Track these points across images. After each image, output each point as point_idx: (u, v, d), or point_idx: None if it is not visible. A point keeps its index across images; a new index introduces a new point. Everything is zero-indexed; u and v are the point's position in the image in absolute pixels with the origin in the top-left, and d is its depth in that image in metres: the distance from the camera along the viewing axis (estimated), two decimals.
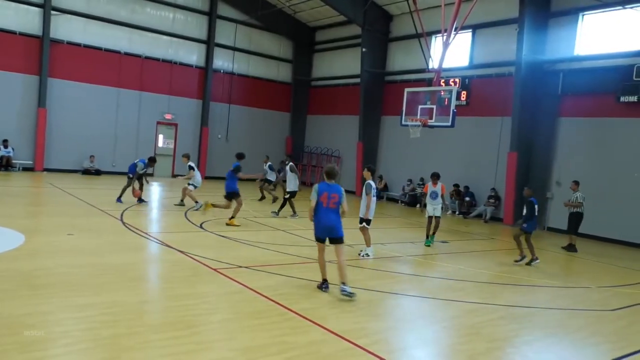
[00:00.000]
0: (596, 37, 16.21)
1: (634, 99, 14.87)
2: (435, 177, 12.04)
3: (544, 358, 5.68)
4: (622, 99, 15.11)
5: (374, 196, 9.89)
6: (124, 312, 5.62)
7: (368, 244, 9.90)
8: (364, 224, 9.90)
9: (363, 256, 9.75)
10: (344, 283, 6.93)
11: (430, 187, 12.06)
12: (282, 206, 14.26)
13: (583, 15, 16.46)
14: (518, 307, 7.44)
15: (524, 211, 10.65)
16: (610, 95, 15.42)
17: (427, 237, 12.02)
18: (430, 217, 11.97)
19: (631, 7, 15.02)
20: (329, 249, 7.20)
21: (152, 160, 14.48)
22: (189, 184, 14.22)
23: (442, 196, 11.94)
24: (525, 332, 6.39)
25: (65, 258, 7.77)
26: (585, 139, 16.26)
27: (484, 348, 5.62)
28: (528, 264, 10.52)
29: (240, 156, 12.93)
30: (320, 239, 7.16)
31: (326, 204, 7.00)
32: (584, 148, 16.25)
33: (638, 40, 15.08)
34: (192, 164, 14.46)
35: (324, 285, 7.17)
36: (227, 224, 11.99)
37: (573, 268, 11.70)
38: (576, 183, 13.44)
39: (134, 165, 14.03)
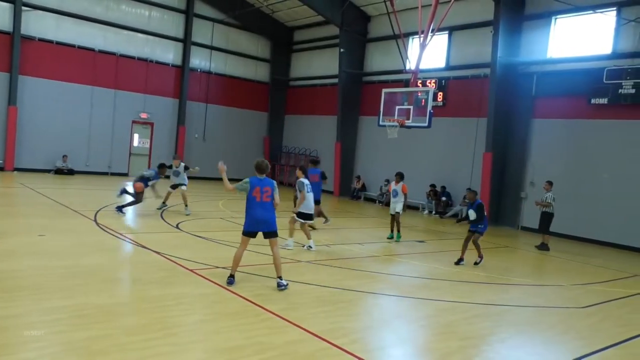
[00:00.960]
0: (568, 41, 16.58)
1: (604, 101, 15.25)
2: (398, 176, 12.66)
3: (516, 355, 5.77)
4: (592, 101, 15.48)
5: (308, 192, 10.45)
6: (97, 314, 5.52)
7: (308, 237, 10.36)
8: (307, 220, 10.45)
9: (307, 248, 10.17)
10: (280, 277, 7.13)
11: (392, 185, 12.81)
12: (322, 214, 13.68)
13: (556, 18, 16.81)
14: (492, 305, 7.55)
15: (474, 215, 10.25)
16: (582, 98, 15.77)
17: (392, 231, 12.74)
18: (392, 215, 12.69)
19: (601, 12, 15.41)
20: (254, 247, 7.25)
21: (162, 167, 12.85)
22: (183, 185, 13.37)
23: (404, 195, 12.54)
24: (499, 330, 6.49)
25: (37, 260, 7.58)
26: (558, 140, 16.60)
27: (458, 346, 5.69)
28: (457, 262, 10.35)
29: (316, 162, 13.00)
30: (249, 234, 7.15)
31: (260, 198, 7.01)
32: (557, 149, 16.59)
33: (608, 44, 15.47)
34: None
35: (230, 279, 7.08)
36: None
37: (546, 267, 11.93)
38: (549, 183, 13.66)
39: (147, 179, 12.48)
